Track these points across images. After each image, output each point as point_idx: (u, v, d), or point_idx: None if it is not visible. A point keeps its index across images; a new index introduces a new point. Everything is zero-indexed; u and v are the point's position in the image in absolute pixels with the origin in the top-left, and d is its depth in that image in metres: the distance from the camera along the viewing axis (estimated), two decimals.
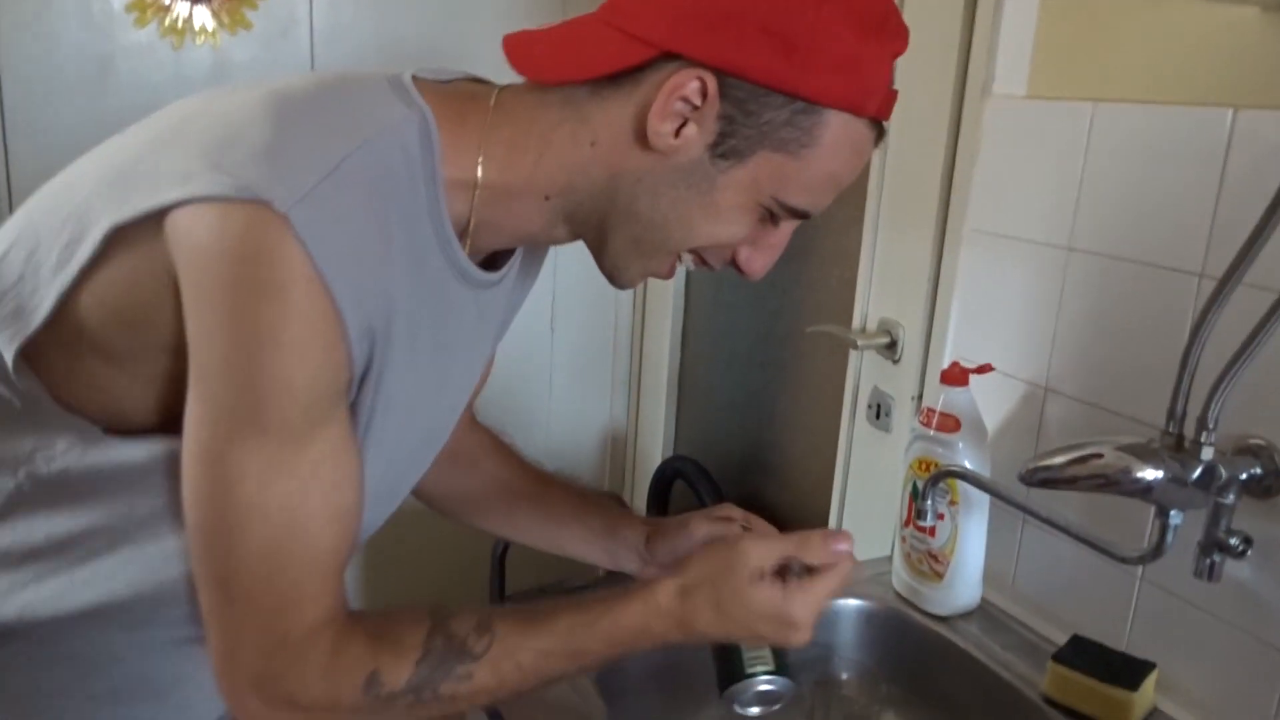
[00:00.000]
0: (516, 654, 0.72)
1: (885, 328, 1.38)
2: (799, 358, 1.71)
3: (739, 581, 0.74)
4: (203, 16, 1.66)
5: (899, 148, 1.35)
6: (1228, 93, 0.94)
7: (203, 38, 1.67)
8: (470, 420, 1.06)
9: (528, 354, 2.11)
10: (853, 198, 1.45)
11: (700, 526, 0.97)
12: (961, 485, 1.12)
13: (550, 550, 1.04)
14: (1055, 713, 0.99)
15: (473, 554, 1.99)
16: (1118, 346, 1.05)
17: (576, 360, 2.16)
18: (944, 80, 1.25)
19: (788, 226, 0.77)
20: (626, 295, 2.16)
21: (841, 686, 1.18)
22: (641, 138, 0.70)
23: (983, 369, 1.13)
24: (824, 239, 1.58)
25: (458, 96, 0.74)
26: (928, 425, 1.13)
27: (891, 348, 1.37)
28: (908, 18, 1.31)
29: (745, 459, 1.89)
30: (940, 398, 1.13)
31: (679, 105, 0.69)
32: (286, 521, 0.65)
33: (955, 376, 1.13)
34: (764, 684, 0.81)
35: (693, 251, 0.77)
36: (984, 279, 1.22)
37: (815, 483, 1.59)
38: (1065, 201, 1.10)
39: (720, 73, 0.68)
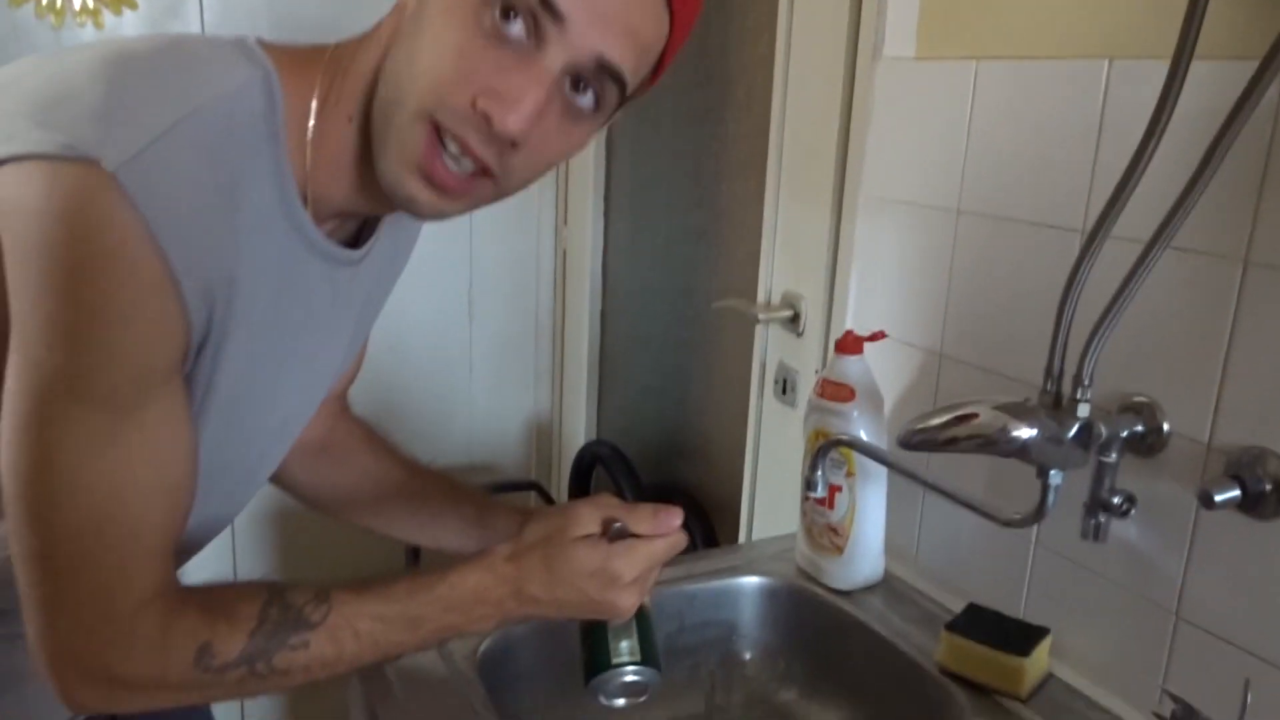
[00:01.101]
0: (354, 621, 0.70)
1: (788, 301, 1.36)
2: (711, 336, 1.68)
3: (566, 541, 0.74)
4: None
5: (796, 116, 1.33)
6: (1103, 43, 0.93)
7: (84, 17, 1.61)
8: (342, 411, 1.02)
9: (447, 342, 2.07)
10: (754, 170, 1.43)
11: None
12: (859, 456, 1.10)
13: (424, 544, 1.01)
14: (951, 683, 0.97)
15: (388, 549, 1.95)
16: (1008, 309, 1.04)
17: (498, 348, 2.12)
18: (836, 45, 1.23)
19: (536, 61, 0.64)
20: (547, 279, 2.12)
21: (743, 666, 1.16)
22: (399, 8, 0.68)
23: (875, 336, 1.11)
24: (730, 214, 1.55)
25: (302, 54, 0.71)
26: (822, 396, 1.11)
27: (795, 321, 1.35)
28: None
29: (664, 441, 1.87)
30: (834, 367, 1.11)
31: None
32: (111, 494, 0.62)
33: (848, 345, 1.10)
34: (629, 675, 0.78)
35: (433, 122, 0.65)
36: (880, 246, 1.20)
37: (729, 462, 1.57)
38: (953, 163, 1.08)
39: None
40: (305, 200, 0.70)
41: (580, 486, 1.92)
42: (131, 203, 0.57)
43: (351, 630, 0.70)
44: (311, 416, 0.87)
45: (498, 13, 0.63)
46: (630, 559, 0.74)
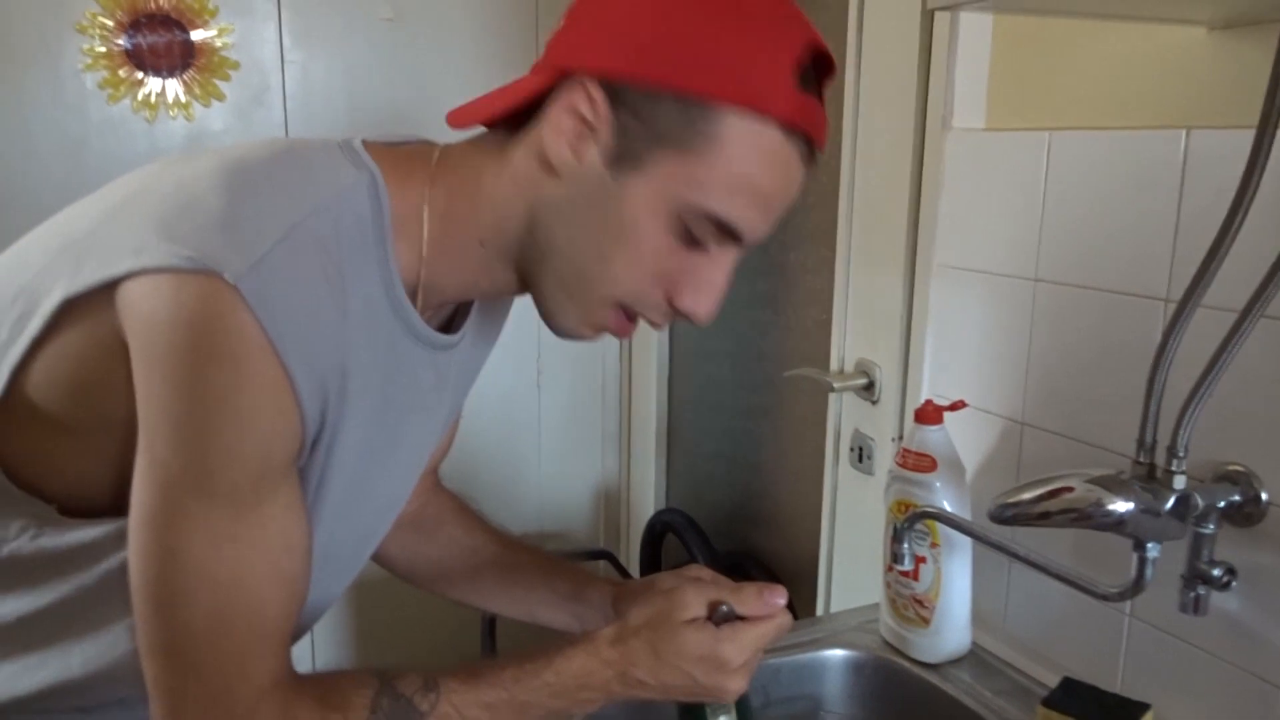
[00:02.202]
0: (463, 709, 0.71)
1: (862, 369, 1.36)
2: (782, 403, 1.68)
3: (674, 626, 0.75)
4: (175, 89, 1.68)
5: (865, 185, 1.34)
6: (1179, 113, 0.93)
7: (176, 110, 1.69)
8: (434, 485, 1.04)
9: (516, 411, 2.10)
10: (824, 237, 1.44)
11: (665, 585, 0.95)
12: (942, 526, 1.09)
13: (517, 617, 1.01)
14: None
15: (463, 621, 1.96)
16: (1090, 377, 1.03)
17: (565, 415, 2.15)
18: (904, 116, 1.24)
19: (722, 256, 0.72)
20: (613, 347, 2.14)
21: None
22: (548, 164, 0.70)
23: (955, 406, 1.11)
24: (799, 281, 1.57)
25: (405, 155, 0.75)
26: (904, 466, 1.11)
27: (870, 389, 1.35)
28: (866, 56, 1.33)
29: (736, 508, 1.86)
30: (915, 437, 1.11)
31: (571, 121, 0.69)
32: (233, 587, 0.65)
33: (929, 415, 1.10)
34: None
35: (624, 306, 0.73)
36: (956, 314, 1.20)
37: (804, 530, 1.56)
38: (1029, 232, 1.08)
39: (609, 82, 0.68)
40: (413, 291, 0.73)
41: (652, 554, 1.92)
42: (251, 310, 0.60)
43: (460, 718, 0.71)
44: (410, 493, 0.89)
45: (688, 232, 0.70)
46: (738, 644, 0.74)
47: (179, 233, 0.62)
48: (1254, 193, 0.78)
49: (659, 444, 2.04)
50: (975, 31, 1.16)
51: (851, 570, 1.43)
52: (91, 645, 0.72)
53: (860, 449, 1.38)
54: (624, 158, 0.68)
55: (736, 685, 0.75)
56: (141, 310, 0.61)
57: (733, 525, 1.85)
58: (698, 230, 0.70)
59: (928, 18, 1.21)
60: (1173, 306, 0.93)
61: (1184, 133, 0.92)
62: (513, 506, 2.12)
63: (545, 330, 0.77)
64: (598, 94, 0.68)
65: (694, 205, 0.69)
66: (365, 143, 0.73)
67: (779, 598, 0.77)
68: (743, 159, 0.68)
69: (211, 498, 0.63)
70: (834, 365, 1.42)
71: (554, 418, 2.13)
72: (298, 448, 0.66)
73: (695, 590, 0.76)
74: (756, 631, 0.75)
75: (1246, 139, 0.77)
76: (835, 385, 1.36)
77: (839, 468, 1.44)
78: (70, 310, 0.64)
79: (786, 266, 1.60)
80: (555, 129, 0.69)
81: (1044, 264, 1.07)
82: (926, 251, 1.23)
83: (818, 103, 0.70)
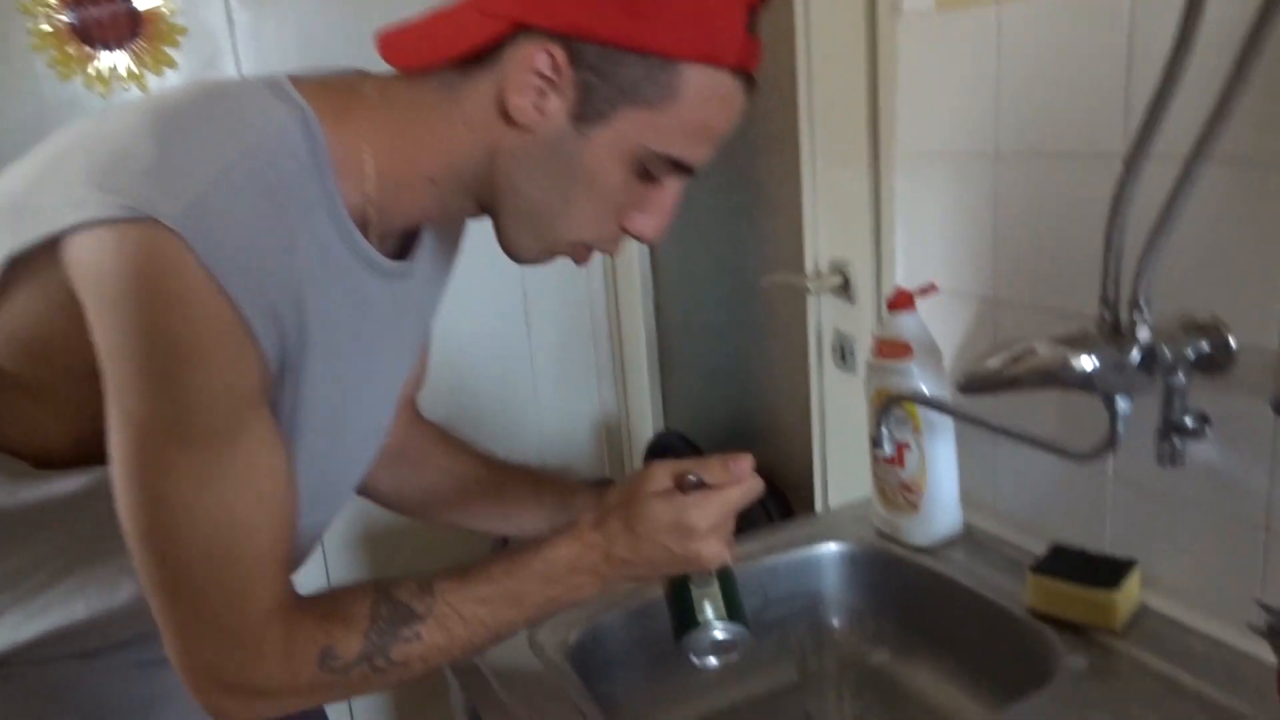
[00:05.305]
0: (459, 607, 0.74)
1: (837, 268, 1.36)
2: (765, 313, 1.69)
3: (643, 499, 0.77)
4: (125, 61, 1.66)
5: (823, 81, 1.33)
6: None
7: (129, 82, 1.67)
8: (415, 416, 1.05)
9: (508, 352, 2.10)
10: (788, 143, 1.43)
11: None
12: (923, 411, 1.10)
13: (510, 534, 1.03)
14: (1044, 625, 0.97)
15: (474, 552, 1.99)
16: (1056, 244, 1.03)
17: (557, 353, 2.15)
18: (854, 4, 1.23)
19: (672, 184, 0.76)
20: (597, 280, 2.14)
21: (833, 632, 1.16)
22: (508, 116, 0.71)
23: (926, 290, 1.11)
24: (767, 188, 1.56)
25: (337, 90, 0.74)
26: (880, 355, 1.11)
27: (846, 287, 1.35)
28: None
29: (732, 423, 1.88)
30: (888, 325, 1.11)
31: (533, 79, 0.69)
32: (222, 522, 0.66)
33: (900, 301, 1.10)
34: (717, 631, 0.79)
35: (584, 244, 0.77)
36: (922, 200, 1.20)
37: (797, 436, 1.57)
38: (985, 108, 1.07)
39: (570, 40, 0.68)
40: (360, 224, 0.73)
41: None
42: (192, 252, 0.60)
43: (458, 616, 0.73)
44: (391, 423, 0.90)
45: (645, 170, 0.73)
46: (704, 509, 0.76)
47: (113, 183, 0.62)
48: (1192, 39, 0.77)
49: (651, 369, 2.05)
50: None
51: (844, 468, 1.44)
52: (91, 590, 0.74)
53: (842, 348, 1.39)
54: (588, 113, 0.70)
55: (710, 550, 0.77)
56: (87, 264, 0.62)
57: (731, 441, 1.87)
58: (654, 169, 0.73)
59: None
60: None
61: None
62: (513, 445, 2.14)
63: (527, 270, 0.80)
64: (560, 54, 0.68)
65: (654, 151, 0.72)
66: (293, 79, 0.73)
67: (744, 464, 0.79)
68: (700, 106, 0.71)
69: (185, 440, 0.64)
70: (809, 268, 1.41)
71: (546, 355, 2.14)
72: (262, 382, 0.67)
73: (662, 465, 0.79)
74: (721, 496, 0.77)
75: None
76: (811, 288, 1.37)
77: (823, 369, 1.45)
78: (17, 270, 0.65)
79: (754, 175, 1.59)
80: (517, 86, 0.70)
81: (1003, 138, 1.06)
82: (888, 140, 1.23)
83: (759, 40, 0.73)
